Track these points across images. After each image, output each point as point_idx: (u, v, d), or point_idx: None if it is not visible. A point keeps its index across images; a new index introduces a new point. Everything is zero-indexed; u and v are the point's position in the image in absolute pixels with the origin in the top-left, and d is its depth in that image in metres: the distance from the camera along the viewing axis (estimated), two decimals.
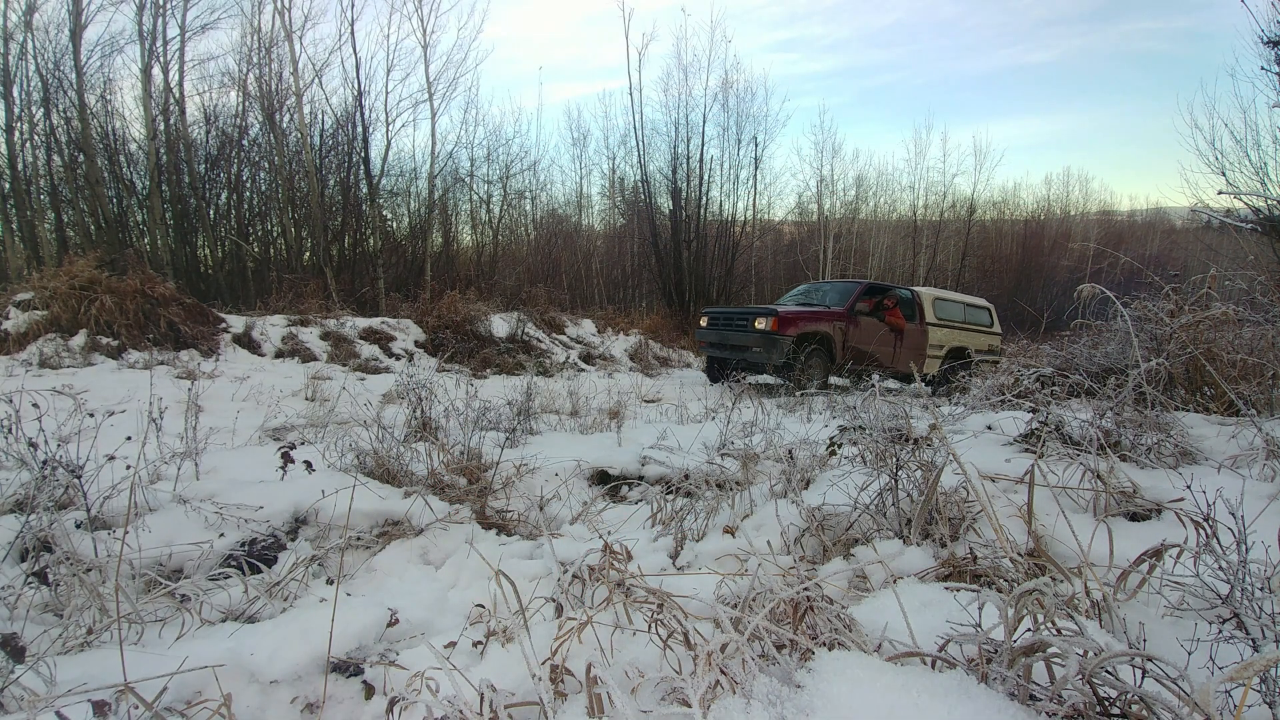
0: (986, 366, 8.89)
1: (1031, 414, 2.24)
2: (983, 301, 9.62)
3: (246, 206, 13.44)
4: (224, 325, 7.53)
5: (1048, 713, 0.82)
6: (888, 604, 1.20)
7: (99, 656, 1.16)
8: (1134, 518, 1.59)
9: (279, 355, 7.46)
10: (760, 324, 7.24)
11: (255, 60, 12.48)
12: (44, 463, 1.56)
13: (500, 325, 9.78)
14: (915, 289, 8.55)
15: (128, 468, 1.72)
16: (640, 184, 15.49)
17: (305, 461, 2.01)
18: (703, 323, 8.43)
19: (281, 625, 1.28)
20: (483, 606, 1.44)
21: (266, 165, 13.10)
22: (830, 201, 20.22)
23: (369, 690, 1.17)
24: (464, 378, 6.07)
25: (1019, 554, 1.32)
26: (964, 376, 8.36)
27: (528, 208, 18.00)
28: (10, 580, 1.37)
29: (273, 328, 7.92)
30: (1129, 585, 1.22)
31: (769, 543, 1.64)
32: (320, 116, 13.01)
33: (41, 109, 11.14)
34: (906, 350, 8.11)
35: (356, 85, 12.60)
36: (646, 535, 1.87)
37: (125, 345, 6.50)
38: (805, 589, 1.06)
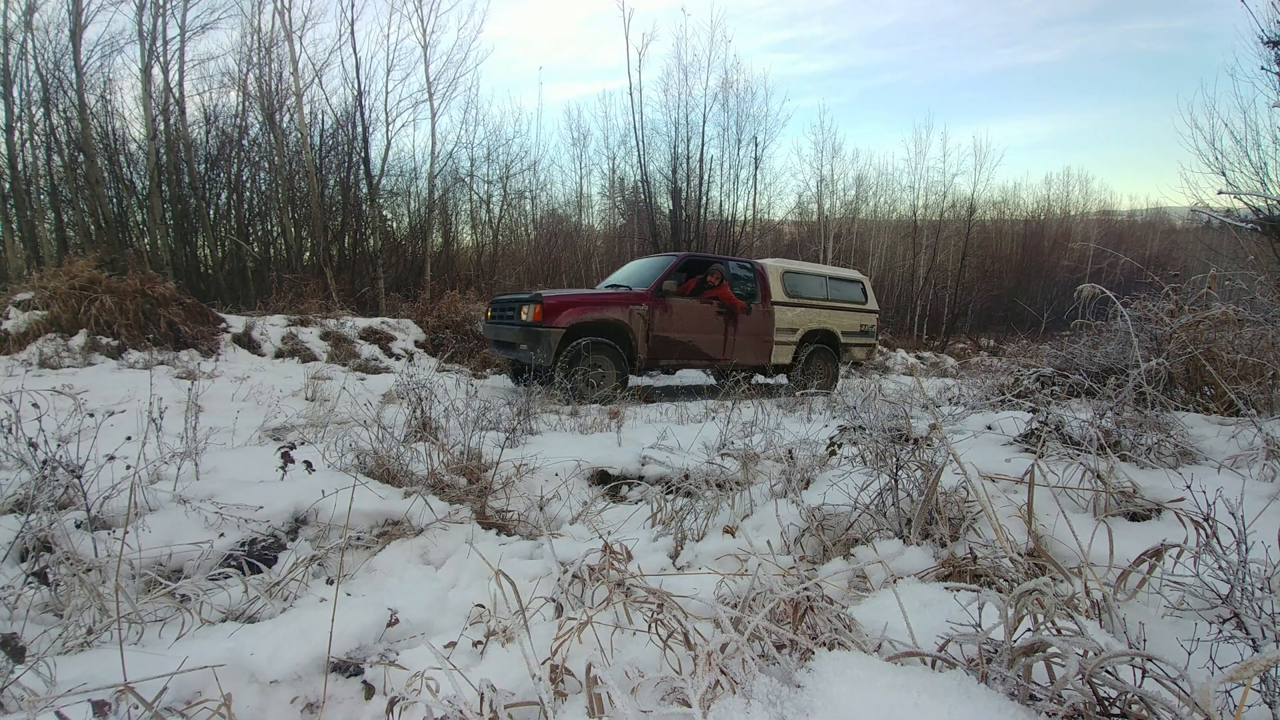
0: (860, 352, 7.85)
1: (1031, 414, 2.24)
2: (854, 274, 8.21)
3: (246, 206, 13.43)
4: (224, 325, 7.53)
5: (1048, 713, 0.82)
6: (888, 604, 1.20)
7: (99, 656, 1.16)
8: (1134, 518, 1.59)
9: (279, 355, 7.46)
10: (525, 313, 5.65)
11: (255, 60, 12.49)
12: (44, 463, 1.56)
13: None
14: (760, 261, 7.12)
15: (128, 468, 1.72)
16: (640, 184, 15.50)
17: (305, 461, 2.01)
18: (487, 314, 6.79)
19: (281, 625, 1.28)
20: (483, 606, 1.44)
21: (266, 165, 13.09)
22: (830, 201, 20.22)
23: (369, 690, 1.17)
24: (464, 378, 6.08)
25: (1019, 554, 1.32)
26: (830, 368, 7.37)
27: (528, 208, 17.99)
28: (10, 580, 1.37)
29: (273, 328, 7.92)
30: (1129, 585, 1.22)
31: (769, 543, 1.64)
32: (320, 116, 13.02)
33: (41, 109, 11.14)
34: (743, 337, 6.65)
35: (356, 85, 12.60)
36: (646, 535, 1.87)
37: (125, 345, 6.50)
38: (805, 589, 1.06)
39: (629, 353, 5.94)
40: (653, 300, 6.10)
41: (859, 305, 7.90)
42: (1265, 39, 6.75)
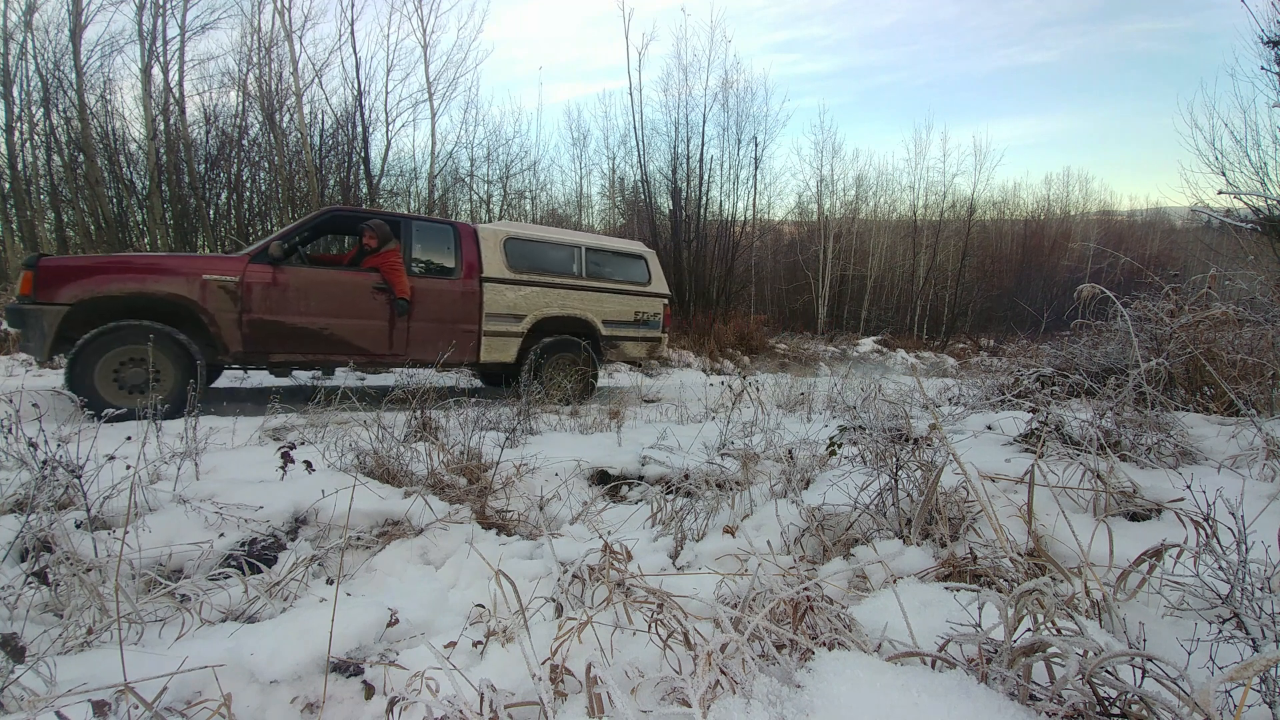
0: (635, 348, 5.86)
1: (1031, 414, 2.24)
2: (633, 246, 6.04)
3: (246, 206, 13.43)
4: None
5: (1048, 713, 0.82)
6: (888, 604, 1.20)
7: (99, 656, 1.16)
8: (1134, 518, 1.59)
9: None
10: (17, 285, 3.80)
11: (255, 60, 12.48)
12: (44, 463, 1.56)
13: None
14: (474, 224, 5.17)
15: (128, 468, 1.72)
16: (640, 184, 15.49)
17: (305, 461, 2.01)
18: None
19: (281, 625, 1.28)
20: (483, 606, 1.44)
21: (266, 165, 13.09)
22: (830, 201, 20.20)
23: (369, 690, 1.17)
24: (464, 377, 6.07)
25: (1019, 554, 1.32)
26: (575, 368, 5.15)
27: (528, 208, 17.99)
28: (10, 580, 1.37)
29: None
30: (1129, 585, 1.22)
31: (769, 543, 1.64)
32: (320, 116, 13.02)
33: (41, 109, 11.13)
34: (426, 324, 4.74)
35: (356, 85, 12.62)
36: (646, 535, 1.87)
37: None
38: (805, 589, 1.06)
39: (205, 343, 4.05)
40: (251, 268, 4.13)
41: (638, 287, 5.87)
42: (1265, 39, 6.76)
